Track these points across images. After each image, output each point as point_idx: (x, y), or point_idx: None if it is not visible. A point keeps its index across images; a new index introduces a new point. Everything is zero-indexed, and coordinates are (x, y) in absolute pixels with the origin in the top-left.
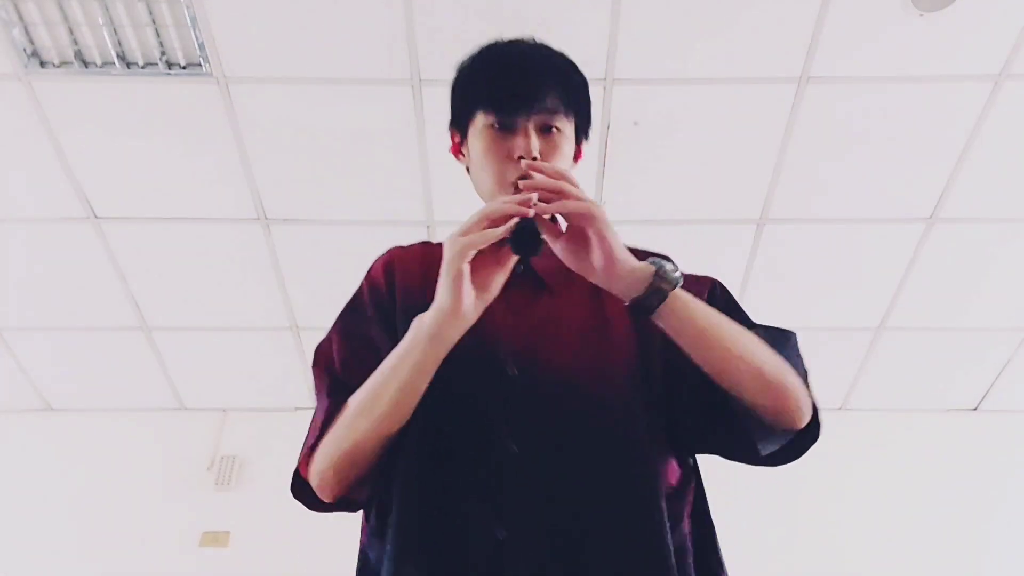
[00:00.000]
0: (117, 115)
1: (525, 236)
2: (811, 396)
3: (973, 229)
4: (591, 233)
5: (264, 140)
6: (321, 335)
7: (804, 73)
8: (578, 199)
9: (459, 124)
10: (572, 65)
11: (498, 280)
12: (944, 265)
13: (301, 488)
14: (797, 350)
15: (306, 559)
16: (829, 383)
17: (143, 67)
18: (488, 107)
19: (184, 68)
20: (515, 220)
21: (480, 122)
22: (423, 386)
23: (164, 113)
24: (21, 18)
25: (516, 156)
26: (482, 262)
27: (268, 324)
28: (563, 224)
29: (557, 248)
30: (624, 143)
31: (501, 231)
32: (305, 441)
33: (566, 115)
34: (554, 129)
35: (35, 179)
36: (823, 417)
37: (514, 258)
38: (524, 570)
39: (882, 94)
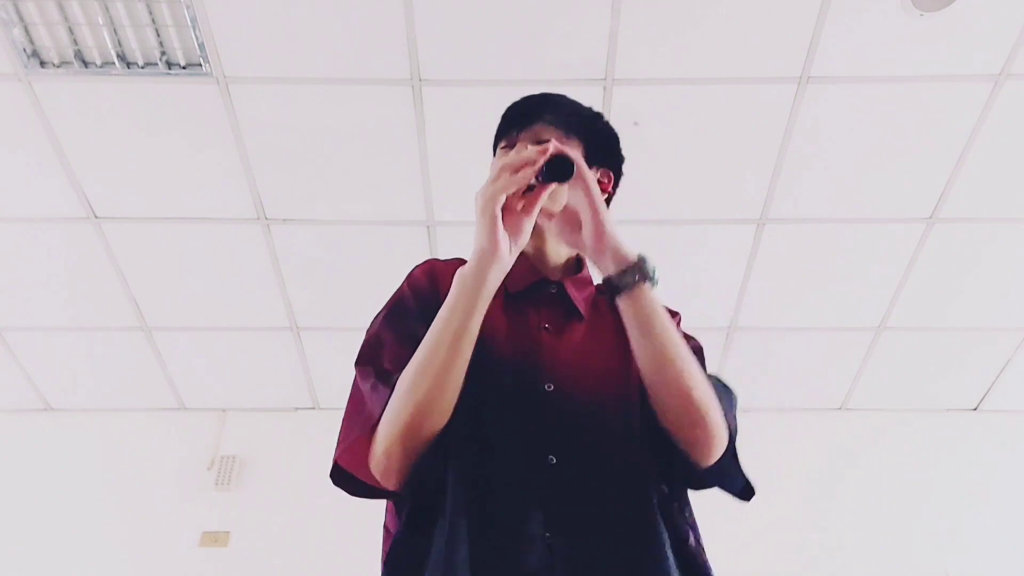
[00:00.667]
0: (117, 115)
1: (558, 166)
2: (731, 447)
3: (973, 229)
4: (584, 202)
5: (264, 140)
6: (321, 335)
7: (804, 73)
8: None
9: None
10: (576, 102)
11: (527, 225)
12: (944, 265)
13: (340, 475)
14: (734, 409)
15: (306, 559)
16: (829, 383)
17: (143, 67)
18: (500, 139)
19: (184, 68)
20: (544, 157)
21: (498, 153)
22: (474, 334)
23: (164, 113)
24: (21, 18)
25: None
26: (509, 210)
27: (268, 324)
28: (555, 203)
29: (551, 224)
30: (624, 143)
31: (531, 172)
32: (349, 430)
33: (564, 135)
34: (546, 141)
35: (35, 179)
36: (749, 475)
37: (540, 198)
38: (571, 571)
39: (882, 94)
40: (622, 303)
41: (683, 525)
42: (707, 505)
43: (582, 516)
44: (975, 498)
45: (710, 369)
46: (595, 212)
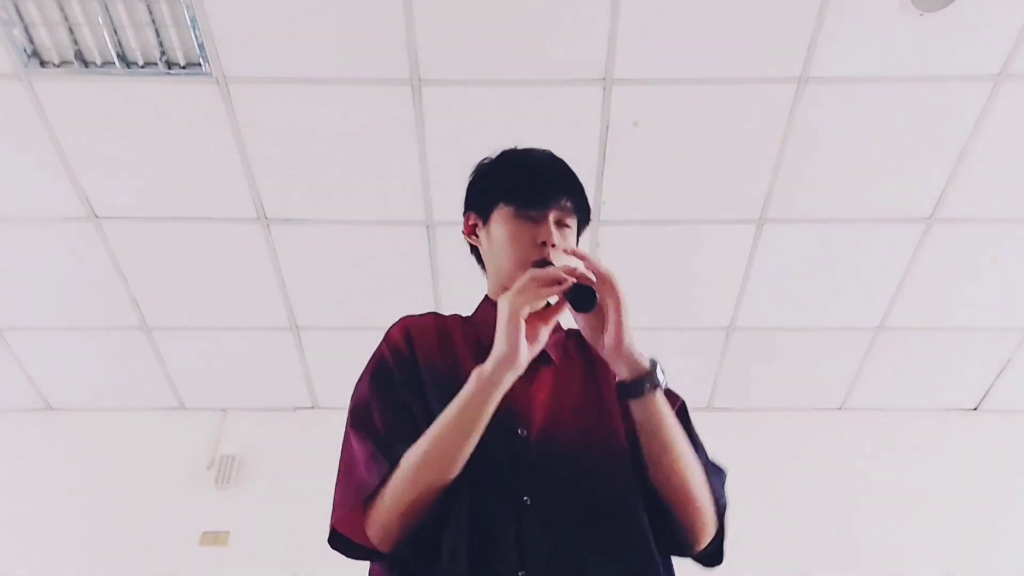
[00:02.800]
0: (117, 115)
1: (582, 294)
2: (720, 525)
3: (973, 229)
4: (611, 310)
5: (264, 140)
6: (321, 335)
7: (804, 73)
8: (612, 275)
9: (480, 210)
10: (576, 177)
11: (543, 334)
12: (944, 265)
13: (337, 538)
14: (723, 486)
15: (306, 559)
16: (829, 383)
17: (143, 67)
18: (515, 198)
19: (184, 68)
20: (572, 280)
21: (505, 211)
22: (481, 430)
23: (164, 113)
24: (21, 18)
25: (540, 241)
26: (529, 319)
27: (268, 324)
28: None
29: (579, 319)
30: (624, 143)
31: (554, 290)
32: (345, 496)
33: (576, 215)
34: (567, 226)
35: (35, 179)
36: (726, 547)
37: (556, 315)
38: None
39: (882, 94)
40: (634, 406)
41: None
42: None
43: (559, 554)
44: (975, 498)
45: (709, 371)
46: (619, 322)
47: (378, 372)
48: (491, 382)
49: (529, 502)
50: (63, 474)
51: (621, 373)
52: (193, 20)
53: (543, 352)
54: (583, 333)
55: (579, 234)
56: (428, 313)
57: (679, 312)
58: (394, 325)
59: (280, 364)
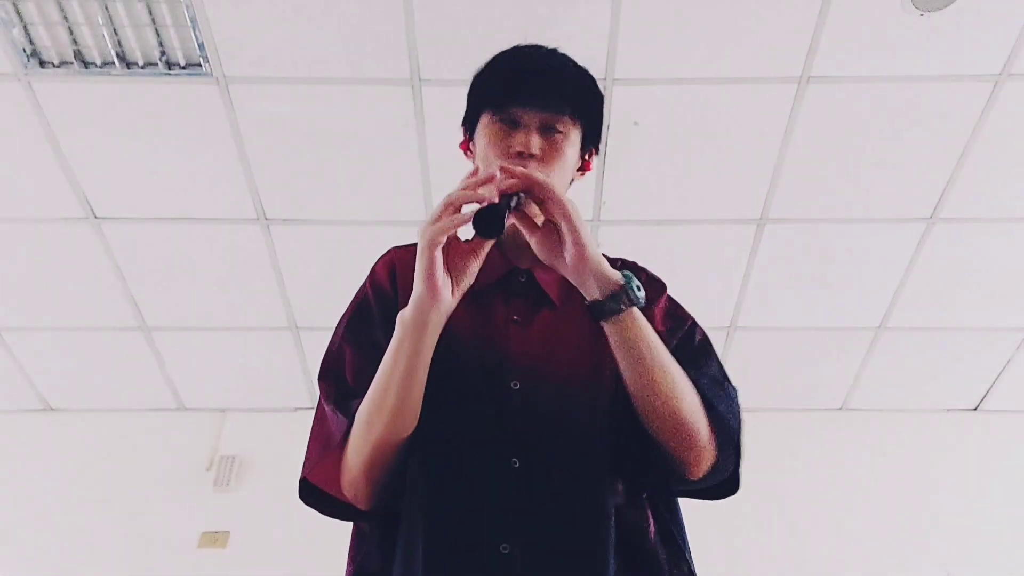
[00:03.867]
0: (117, 115)
1: (488, 218)
2: (735, 448)
3: (973, 229)
4: (563, 228)
5: (264, 140)
6: (321, 335)
7: (804, 73)
8: (546, 185)
9: (468, 121)
10: (586, 76)
11: (473, 266)
12: (944, 265)
13: (310, 493)
14: (733, 406)
15: (306, 559)
16: (829, 383)
17: (143, 67)
18: (495, 104)
19: (184, 68)
20: (476, 206)
21: (486, 118)
22: (422, 376)
23: (164, 113)
24: (21, 18)
25: (515, 151)
26: (457, 248)
27: (268, 324)
28: (539, 220)
29: (532, 241)
30: (624, 143)
31: (466, 216)
32: (310, 449)
33: (572, 120)
34: (557, 131)
35: (35, 179)
36: (742, 472)
37: (488, 243)
38: None
39: (882, 94)
40: (608, 327)
41: (641, 521)
42: (706, 505)
43: (540, 521)
44: (975, 498)
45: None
46: (576, 238)
47: (356, 314)
48: (413, 325)
49: (518, 465)
50: (63, 474)
51: (591, 293)
52: (193, 20)
53: (544, 295)
54: (545, 261)
55: (585, 148)
56: (416, 243)
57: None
58: (381, 258)
59: (280, 364)
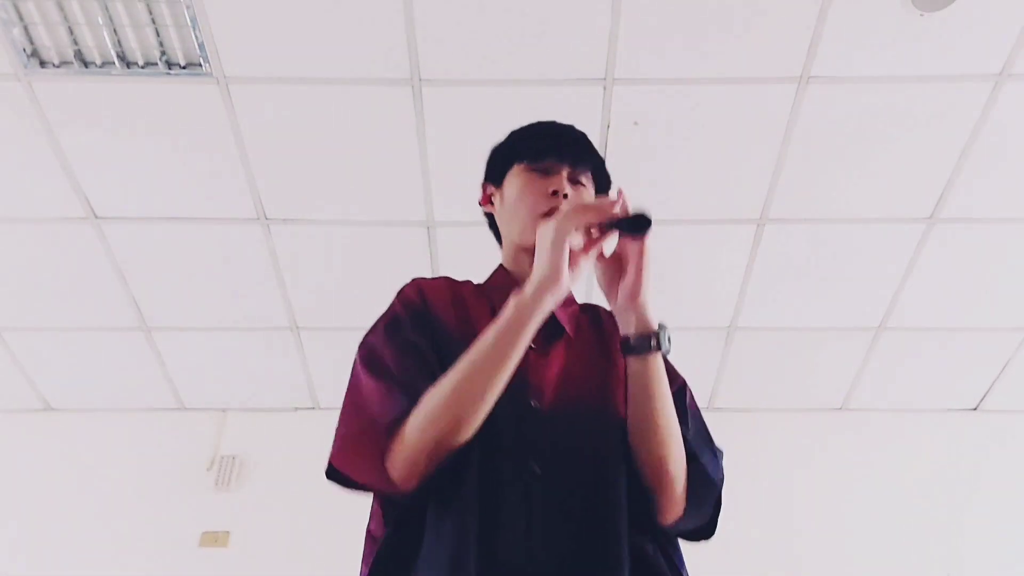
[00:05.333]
0: (117, 115)
1: (637, 223)
2: (715, 501)
3: (973, 229)
4: (633, 262)
5: (264, 140)
6: (321, 335)
7: (804, 73)
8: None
9: (494, 177)
10: (593, 145)
11: (585, 265)
12: (944, 265)
13: (336, 473)
14: (718, 462)
15: (306, 559)
16: (829, 383)
17: (143, 67)
18: (532, 156)
19: (184, 68)
20: (619, 207)
21: (518, 169)
22: (520, 354)
23: (164, 113)
24: (21, 18)
25: (551, 191)
26: (571, 251)
27: (268, 324)
28: (608, 250)
29: (598, 267)
30: (624, 143)
31: (604, 214)
32: (348, 432)
33: (591, 178)
34: (580, 183)
35: (35, 179)
36: (719, 522)
37: (600, 244)
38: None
39: (882, 94)
40: (632, 363)
41: (643, 540)
42: None
43: (563, 525)
44: (975, 498)
45: (709, 371)
46: (639, 272)
47: (391, 323)
48: (532, 304)
49: (539, 471)
50: (63, 474)
51: (627, 328)
52: (193, 20)
53: (558, 326)
54: (599, 282)
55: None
56: (441, 276)
57: (679, 312)
58: (407, 284)
59: (280, 364)
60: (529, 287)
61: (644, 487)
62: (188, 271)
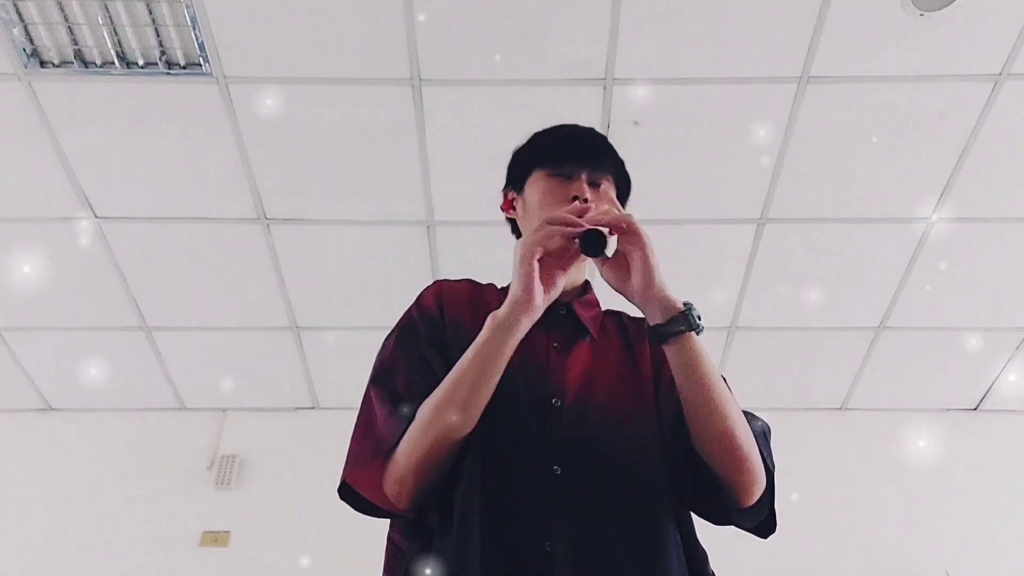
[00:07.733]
0: (117, 115)
1: (592, 239)
2: (769, 485)
3: (973, 229)
4: (636, 257)
5: (264, 140)
6: (321, 335)
7: (804, 73)
8: (631, 221)
9: (516, 182)
10: (613, 148)
11: (560, 280)
12: (944, 265)
13: (348, 493)
14: (769, 446)
15: (306, 559)
16: (829, 383)
17: (143, 67)
18: (548, 162)
19: (184, 68)
20: (584, 226)
21: (539, 174)
22: (495, 376)
23: (164, 113)
24: (21, 18)
25: (571, 196)
26: (546, 264)
27: (268, 324)
28: (610, 250)
29: (602, 268)
30: (624, 143)
31: (569, 231)
32: (361, 450)
33: (612, 180)
34: (602, 186)
35: (35, 179)
36: (778, 509)
37: (577, 260)
38: None
39: (882, 94)
40: (668, 350)
41: (699, 549)
42: None
43: (585, 524)
44: (975, 498)
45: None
46: (645, 265)
47: (405, 330)
48: (505, 325)
49: (559, 472)
50: (63, 474)
51: (654, 317)
52: (193, 20)
53: (582, 326)
54: (612, 285)
55: (623, 203)
56: (464, 279)
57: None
58: (427, 288)
59: (280, 364)
60: (503, 307)
61: (718, 474)
62: (188, 271)
